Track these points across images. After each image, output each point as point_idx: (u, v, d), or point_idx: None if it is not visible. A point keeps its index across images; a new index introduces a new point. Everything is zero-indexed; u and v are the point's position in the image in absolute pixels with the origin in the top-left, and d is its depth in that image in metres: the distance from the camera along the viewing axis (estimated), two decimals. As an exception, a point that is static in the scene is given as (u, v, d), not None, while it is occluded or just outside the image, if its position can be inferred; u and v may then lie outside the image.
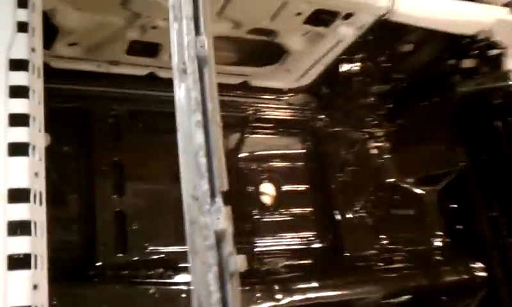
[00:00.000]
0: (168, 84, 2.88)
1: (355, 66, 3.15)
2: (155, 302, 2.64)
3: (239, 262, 1.35)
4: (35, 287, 1.50)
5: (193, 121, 1.45)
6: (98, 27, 2.56)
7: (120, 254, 2.74)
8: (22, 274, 1.48)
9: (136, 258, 2.76)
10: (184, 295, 2.68)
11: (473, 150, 3.57)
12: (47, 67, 2.66)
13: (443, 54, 3.15)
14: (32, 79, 1.61)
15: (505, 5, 2.87)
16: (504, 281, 3.41)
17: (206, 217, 1.37)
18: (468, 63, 3.12)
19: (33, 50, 1.63)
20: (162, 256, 2.81)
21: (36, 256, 1.52)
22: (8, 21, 1.59)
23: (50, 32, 2.47)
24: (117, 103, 2.90)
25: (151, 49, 2.81)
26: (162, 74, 2.91)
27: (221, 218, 1.37)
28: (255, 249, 3.13)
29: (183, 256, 2.77)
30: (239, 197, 3.16)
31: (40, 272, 1.52)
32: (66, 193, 2.73)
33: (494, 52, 3.01)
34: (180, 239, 2.80)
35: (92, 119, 2.87)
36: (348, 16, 2.70)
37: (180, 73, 1.51)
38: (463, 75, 3.21)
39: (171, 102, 2.93)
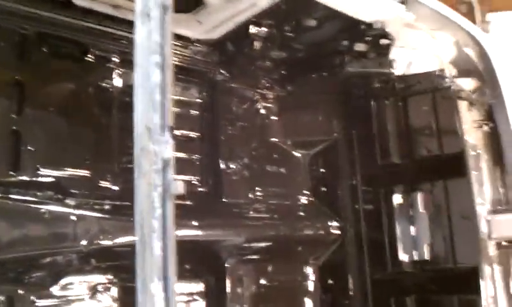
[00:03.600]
0: (83, 12, 2.93)
1: (261, 31, 3.33)
2: (45, 222, 2.72)
3: (179, 186, 1.58)
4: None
5: (152, 62, 1.63)
6: None
7: (12, 172, 2.76)
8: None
9: (27, 178, 2.79)
10: (73, 218, 2.79)
11: (347, 124, 4.02)
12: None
13: (340, 34, 3.46)
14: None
15: (402, 2, 3.23)
16: (352, 240, 3.97)
17: (156, 145, 1.58)
18: (360, 47, 3.48)
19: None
20: (53, 179, 2.86)
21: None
22: None
23: None
24: (26, 22, 2.85)
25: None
26: (78, 2, 2.91)
27: (168, 148, 1.60)
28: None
29: (74, 182, 2.90)
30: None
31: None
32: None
33: (384, 41, 3.40)
34: (74, 165, 2.91)
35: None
36: (268, -17, 2.90)
37: (143, 16, 1.65)
38: (353, 57, 3.58)
39: (83, 30, 2.98)
